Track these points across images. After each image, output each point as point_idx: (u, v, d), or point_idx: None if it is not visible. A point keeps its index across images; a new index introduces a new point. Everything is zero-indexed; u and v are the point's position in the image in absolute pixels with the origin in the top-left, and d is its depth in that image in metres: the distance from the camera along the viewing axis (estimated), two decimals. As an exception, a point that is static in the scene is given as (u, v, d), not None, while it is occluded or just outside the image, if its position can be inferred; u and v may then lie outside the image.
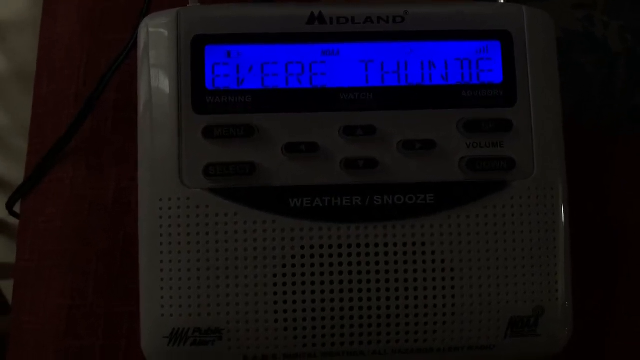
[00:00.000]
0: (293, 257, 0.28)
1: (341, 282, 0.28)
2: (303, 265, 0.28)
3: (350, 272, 0.28)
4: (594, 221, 0.36)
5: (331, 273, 0.28)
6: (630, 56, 0.39)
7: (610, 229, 0.36)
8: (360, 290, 0.28)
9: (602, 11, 0.40)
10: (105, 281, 0.34)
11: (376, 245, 0.29)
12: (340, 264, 0.28)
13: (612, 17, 0.40)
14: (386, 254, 0.29)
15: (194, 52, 0.29)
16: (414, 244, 0.29)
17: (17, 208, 0.37)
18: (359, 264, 0.29)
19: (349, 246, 0.29)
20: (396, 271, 0.29)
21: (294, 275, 0.28)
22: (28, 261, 0.35)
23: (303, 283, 0.28)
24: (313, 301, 0.28)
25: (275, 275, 0.28)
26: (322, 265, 0.28)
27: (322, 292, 0.28)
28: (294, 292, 0.28)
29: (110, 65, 0.34)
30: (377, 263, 0.29)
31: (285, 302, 0.28)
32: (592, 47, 0.40)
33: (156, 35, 0.30)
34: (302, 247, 0.28)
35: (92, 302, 0.33)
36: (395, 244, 0.29)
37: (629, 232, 0.36)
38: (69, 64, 0.37)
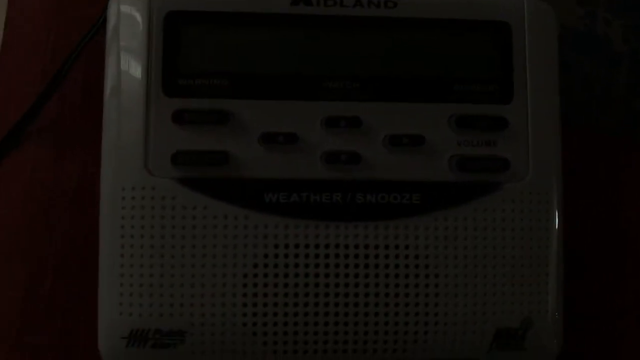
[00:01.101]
0: (266, 256, 0.26)
1: (317, 284, 0.26)
2: (276, 266, 0.26)
3: (327, 275, 0.26)
4: (594, 225, 0.34)
5: (306, 275, 0.26)
6: (632, 56, 0.38)
7: (613, 233, 0.35)
8: (336, 295, 0.26)
9: (605, 9, 0.38)
10: (64, 275, 0.31)
11: (356, 246, 0.27)
12: (317, 265, 0.26)
13: (615, 16, 0.38)
14: (367, 256, 0.27)
15: (167, 31, 0.27)
16: (396, 246, 0.27)
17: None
18: (336, 265, 0.26)
19: (327, 246, 0.26)
20: (377, 275, 0.26)
21: (265, 275, 0.26)
22: (-18, 250, 0.32)
23: (275, 285, 0.26)
24: (285, 304, 0.26)
25: (245, 275, 0.26)
26: (296, 265, 0.26)
27: (296, 295, 0.26)
28: (265, 294, 0.26)
29: (78, 42, 0.32)
30: (357, 265, 0.26)
31: (255, 304, 0.26)
32: (594, 46, 0.38)
33: (127, 12, 0.27)
34: (276, 246, 0.26)
35: (49, 298, 0.31)
36: (376, 246, 0.27)
37: (631, 237, 0.34)
38: (37, 40, 0.35)
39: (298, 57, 0.27)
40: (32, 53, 0.35)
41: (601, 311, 0.34)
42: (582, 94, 0.37)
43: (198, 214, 0.26)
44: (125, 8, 0.27)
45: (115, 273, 0.26)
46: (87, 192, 0.32)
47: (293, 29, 0.27)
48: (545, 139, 0.28)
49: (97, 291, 0.27)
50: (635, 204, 0.35)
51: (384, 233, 0.27)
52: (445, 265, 0.27)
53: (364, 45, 0.28)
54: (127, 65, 0.27)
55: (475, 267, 0.27)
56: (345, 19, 0.28)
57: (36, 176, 0.33)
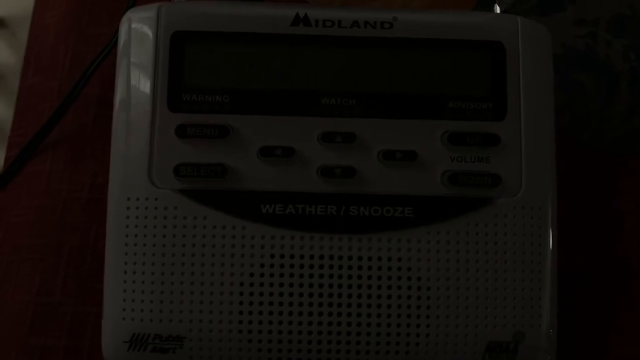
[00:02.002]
0: (262, 265, 0.27)
1: (311, 294, 0.27)
2: (272, 275, 0.27)
3: (320, 285, 0.27)
4: (590, 243, 0.35)
5: (301, 285, 0.27)
6: (633, 76, 0.38)
7: (610, 251, 0.35)
8: (330, 305, 0.27)
9: (606, 29, 0.39)
10: (74, 280, 0.33)
11: (350, 258, 0.27)
12: (311, 275, 0.27)
13: (616, 35, 0.39)
14: (360, 267, 0.27)
15: (173, 49, 0.28)
16: (389, 259, 0.27)
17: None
18: (330, 276, 0.27)
19: (321, 257, 0.27)
20: (369, 286, 0.27)
21: (261, 284, 0.27)
22: (-2, 254, 0.34)
23: (271, 294, 0.27)
24: (280, 313, 0.27)
25: (242, 284, 0.27)
26: (291, 275, 0.27)
27: (290, 304, 0.27)
28: (261, 303, 0.27)
29: (94, 59, 0.34)
30: (350, 277, 0.27)
31: (250, 312, 0.27)
32: (594, 65, 0.38)
33: (137, 30, 0.29)
34: (272, 256, 0.27)
35: (58, 301, 0.32)
36: (370, 258, 0.27)
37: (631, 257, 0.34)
38: (55, 56, 0.37)
39: (296, 75, 0.29)
40: (50, 69, 0.37)
41: (601, 329, 0.34)
42: (580, 112, 0.38)
43: (198, 224, 0.27)
44: (135, 27, 0.29)
45: (119, 279, 0.27)
46: (97, 202, 0.34)
47: (292, 48, 0.29)
48: (538, 156, 0.29)
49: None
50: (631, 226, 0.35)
51: (377, 245, 0.27)
52: (437, 278, 0.27)
53: (360, 64, 0.29)
54: (136, 81, 0.28)
55: (467, 280, 0.28)
56: (342, 39, 0.29)
57: (51, 186, 0.34)
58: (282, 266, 0.27)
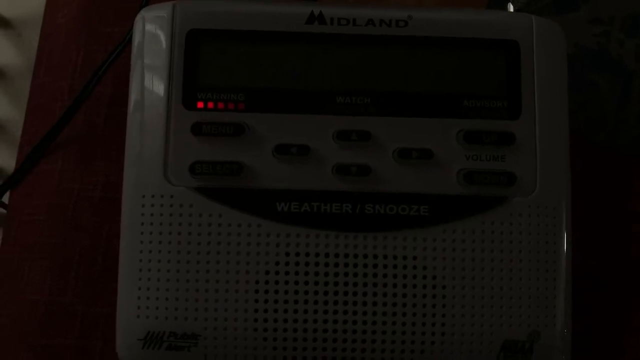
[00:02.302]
0: (277, 263, 0.27)
1: (326, 292, 0.27)
2: (287, 273, 0.27)
3: (335, 283, 0.27)
4: (605, 244, 0.34)
5: (316, 283, 0.27)
6: (646, 76, 0.38)
7: (625, 252, 0.34)
8: (345, 303, 0.27)
9: (620, 28, 0.39)
10: (85, 279, 0.33)
11: (365, 256, 0.27)
12: (326, 273, 0.27)
13: (629, 35, 0.39)
14: (375, 266, 0.27)
15: (188, 47, 0.28)
16: (404, 257, 0.27)
17: (6, 199, 0.36)
18: (345, 274, 0.27)
19: (336, 255, 0.27)
20: (384, 285, 0.27)
21: (277, 282, 0.27)
22: (10, 253, 0.34)
23: (286, 292, 0.27)
24: (295, 311, 0.27)
25: (257, 282, 0.27)
26: (307, 273, 0.27)
27: (306, 302, 0.27)
28: (276, 301, 0.27)
29: (105, 58, 0.34)
30: (365, 275, 0.27)
31: (266, 310, 0.27)
32: (608, 65, 0.38)
33: (151, 29, 0.29)
34: (287, 254, 0.27)
35: (70, 301, 0.32)
36: (385, 256, 0.27)
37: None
38: (66, 55, 0.37)
39: (312, 73, 0.29)
40: (61, 69, 0.37)
41: (617, 330, 0.34)
42: (594, 112, 0.37)
43: (213, 221, 0.27)
44: (149, 26, 0.29)
45: (133, 276, 0.27)
46: (110, 201, 0.34)
47: (307, 47, 0.29)
48: (553, 155, 0.29)
49: (117, 296, 0.28)
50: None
51: (392, 244, 0.27)
52: (453, 277, 0.27)
53: (375, 62, 0.29)
54: (150, 80, 0.28)
55: (483, 279, 0.27)
56: (357, 37, 0.29)
57: (62, 185, 0.34)
58: (297, 264, 0.27)
